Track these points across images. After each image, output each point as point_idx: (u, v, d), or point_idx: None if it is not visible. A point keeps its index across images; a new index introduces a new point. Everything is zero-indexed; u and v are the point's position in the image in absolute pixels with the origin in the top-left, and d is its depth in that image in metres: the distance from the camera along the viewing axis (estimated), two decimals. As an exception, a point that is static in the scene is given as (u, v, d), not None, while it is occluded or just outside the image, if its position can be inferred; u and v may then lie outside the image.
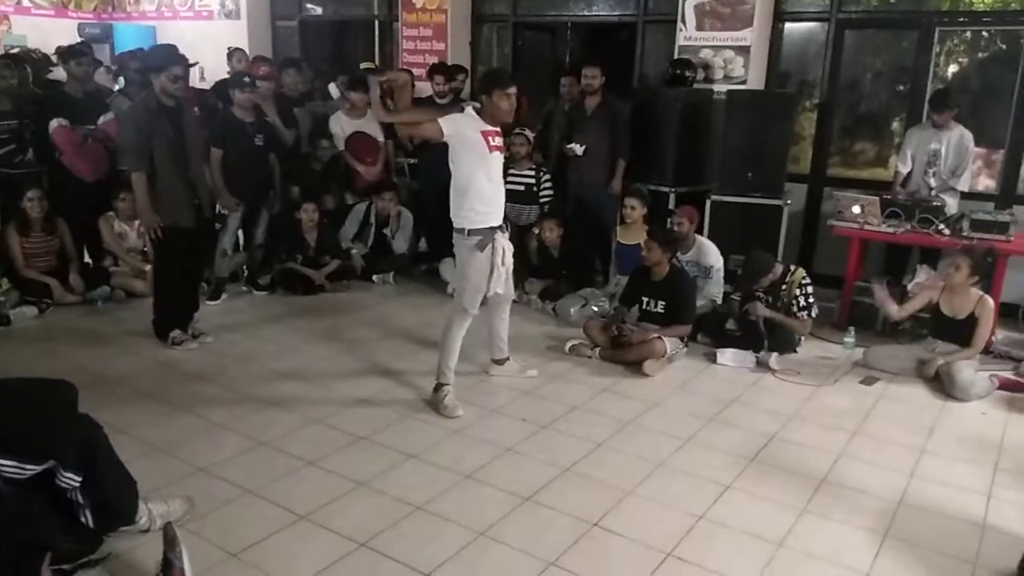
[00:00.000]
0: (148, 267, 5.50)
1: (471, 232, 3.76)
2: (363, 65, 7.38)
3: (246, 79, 5.71)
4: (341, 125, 6.37)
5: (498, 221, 3.82)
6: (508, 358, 4.35)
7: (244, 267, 6.07)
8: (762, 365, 4.62)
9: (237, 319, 5.24)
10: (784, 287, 4.83)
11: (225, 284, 5.76)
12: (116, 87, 6.69)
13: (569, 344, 4.82)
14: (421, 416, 3.85)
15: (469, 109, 3.81)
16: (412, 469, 3.31)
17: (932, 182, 5.37)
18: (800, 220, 6.31)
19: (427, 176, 6.47)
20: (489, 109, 3.74)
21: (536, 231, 5.83)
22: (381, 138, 6.43)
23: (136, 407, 3.77)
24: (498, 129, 3.81)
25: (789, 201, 5.69)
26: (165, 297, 4.69)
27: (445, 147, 6.05)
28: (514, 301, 5.68)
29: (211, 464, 3.25)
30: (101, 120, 5.64)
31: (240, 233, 5.97)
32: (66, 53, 5.73)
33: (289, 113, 6.16)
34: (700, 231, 5.49)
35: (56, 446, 2.38)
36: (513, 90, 3.74)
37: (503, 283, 3.99)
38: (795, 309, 4.79)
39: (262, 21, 9.58)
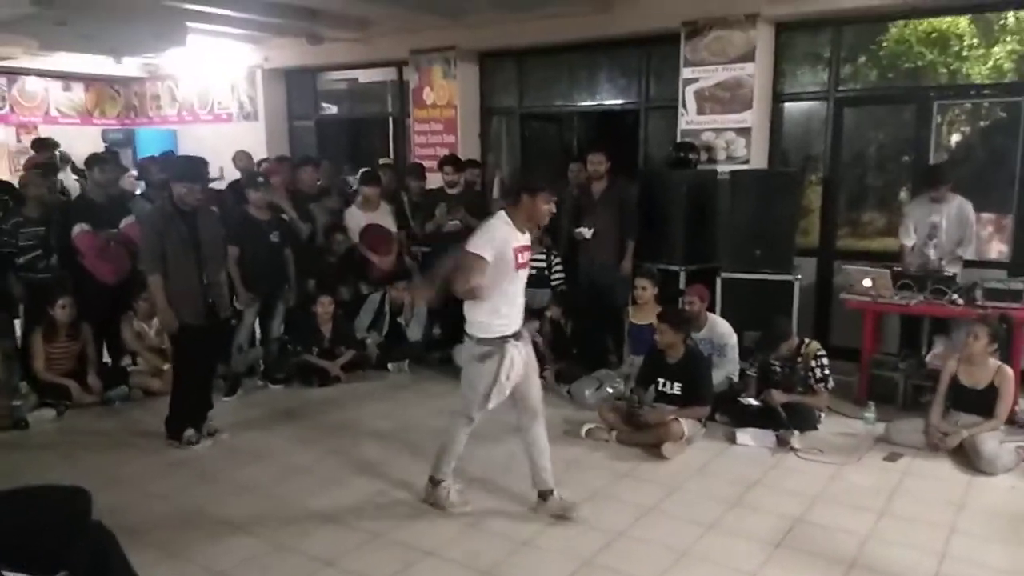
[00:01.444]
0: (167, 365, 5.57)
1: (480, 341, 3.58)
2: (382, 161, 7.64)
3: (260, 179, 5.90)
4: (356, 218, 6.53)
5: (511, 330, 3.58)
6: (552, 491, 3.76)
7: (260, 361, 6.12)
8: (783, 444, 4.54)
9: (253, 415, 5.25)
10: (800, 360, 4.80)
11: (241, 379, 5.80)
12: (138, 191, 6.93)
13: (585, 428, 4.78)
14: (437, 512, 3.79)
15: (502, 216, 3.57)
16: (431, 566, 3.25)
17: (932, 254, 5.38)
18: (812, 294, 6.31)
19: (441, 264, 6.58)
20: (526, 210, 3.55)
21: (548, 315, 5.87)
22: (394, 229, 6.59)
23: (151, 511, 3.75)
24: (528, 243, 3.64)
25: (799, 276, 5.71)
26: (181, 396, 4.71)
27: (459, 236, 6.22)
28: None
29: (228, 569, 3.20)
30: (123, 223, 5.82)
31: (257, 327, 6.05)
32: (91, 161, 5.96)
33: (305, 209, 6.33)
34: (712, 309, 5.51)
35: (68, 556, 2.37)
36: (555, 198, 3.64)
37: (526, 397, 3.73)
38: (812, 382, 4.75)
39: (279, 121, 9.98)
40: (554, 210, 3.68)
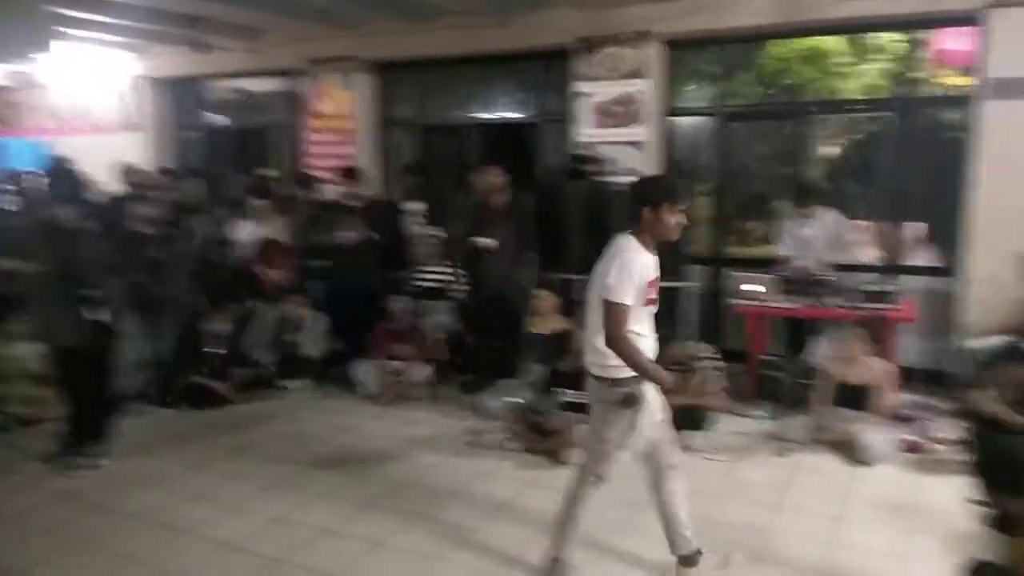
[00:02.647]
0: (43, 392, 5.20)
1: (616, 381, 3.03)
2: (259, 171, 7.42)
3: (144, 193, 5.61)
4: (247, 231, 6.31)
5: None
6: (699, 551, 3.26)
7: (148, 384, 5.79)
8: (681, 445, 4.66)
9: (141, 440, 4.96)
10: (692, 363, 4.97)
11: (127, 404, 5.47)
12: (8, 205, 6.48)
13: (490, 438, 4.78)
14: (342, 530, 3.69)
15: (632, 244, 3.02)
16: (332, 588, 3.16)
17: (807, 264, 5.69)
18: (704, 300, 6.54)
19: (339, 278, 6.44)
20: (652, 226, 3.01)
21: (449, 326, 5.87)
22: (287, 241, 6.40)
23: (37, 546, 3.49)
24: (658, 275, 3.11)
25: (691, 282, 5.91)
26: (79, 413, 4.47)
27: (357, 250, 6.12)
28: (432, 399, 5.73)
29: None
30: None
31: (142, 349, 5.72)
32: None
33: (190, 223, 6.07)
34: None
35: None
36: (683, 205, 3.06)
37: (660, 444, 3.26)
38: (702, 384, 4.92)
39: (165, 132, 9.53)
40: (684, 220, 3.08)
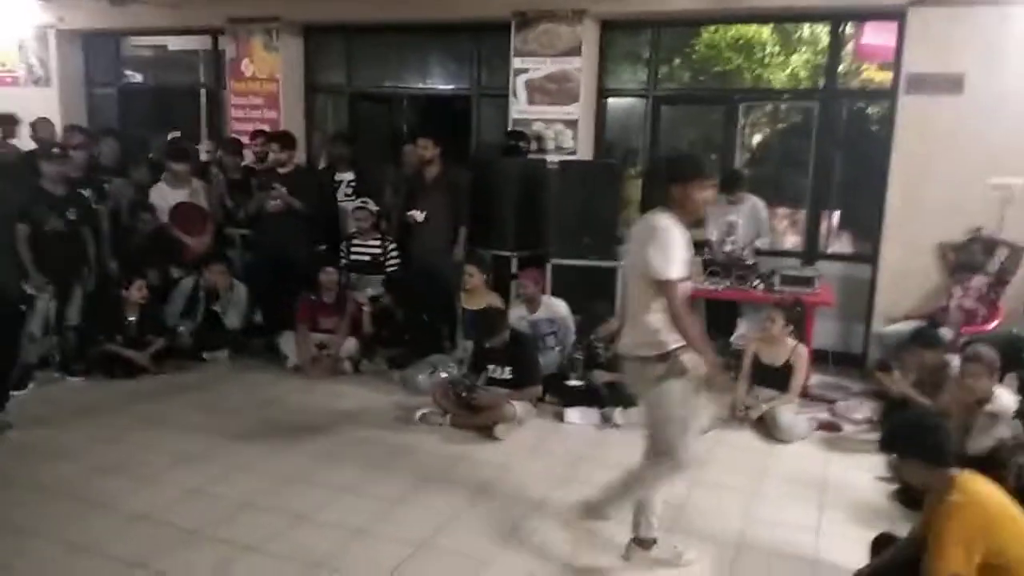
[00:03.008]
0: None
1: (664, 356, 2.87)
2: (171, 135, 7.09)
3: (55, 150, 5.29)
4: (164, 196, 6.04)
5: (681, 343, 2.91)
6: (656, 540, 3.15)
7: (56, 351, 5.49)
8: (607, 421, 4.75)
9: (48, 410, 4.72)
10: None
11: (33, 371, 5.18)
12: None
13: (419, 412, 4.74)
14: (263, 503, 3.59)
15: (668, 219, 2.88)
16: (252, 563, 3.08)
17: (730, 248, 5.85)
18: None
19: (262, 247, 6.25)
20: (683, 203, 2.93)
21: (380, 301, 5.77)
22: (207, 207, 6.16)
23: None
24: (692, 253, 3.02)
25: (623, 262, 5.98)
26: None
27: (281, 217, 5.93)
28: (359, 372, 5.64)
29: None
30: None
31: (51, 314, 5.42)
32: None
33: (103, 184, 5.77)
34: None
35: None
36: (713, 180, 3.04)
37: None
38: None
39: (76, 88, 8.98)
40: (710, 199, 3.03)
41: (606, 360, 5.02)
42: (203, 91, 8.54)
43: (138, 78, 9.22)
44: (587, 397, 4.89)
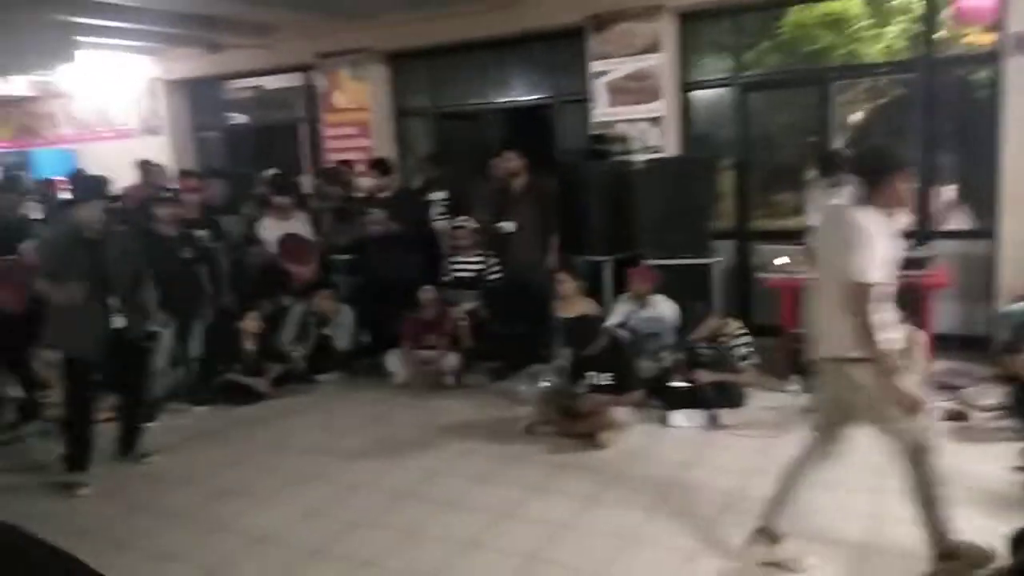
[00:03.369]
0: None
1: (875, 356, 2.75)
2: (271, 171, 7.45)
3: (167, 193, 5.66)
4: (269, 229, 6.36)
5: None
6: (782, 536, 3.08)
7: (181, 383, 5.86)
8: (714, 422, 4.64)
9: (176, 439, 5.03)
10: (722, 339, 4.92)
11: (162, 403, 5.55)
12: (38, 215, 6.57)
13: (523, 423, 4.77)
14: (378, 520, 3.71)
15: (868, 214, 2.78)
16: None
17: None
18: (732, 275, 6.47)
19: (366, 271, 6.45)
20: (885, 196, 2.80)
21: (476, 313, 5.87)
22: (312, 237, 6.44)
23: (75, 546, 3.50)
24: (899, 250, 2.92)
25: (718, 259, 5.85)
26: (77, 431, 4.35)
27: (383, 241, 6.09)
28: (462, 387, 5.73)
29: None
30: (23, 247, 5.51)
31: (174, 348, 5.80)
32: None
33: (216, 222, 6.12)
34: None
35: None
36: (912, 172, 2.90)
37: None
38: (736, 360, 4.87)
39: (185, 134, 9.61)
40: (912, 188, 2.94)
41: (709, 360, 4.91)
42: (300, 126, 8.95)
43: (241, 119, 9.76)
44: (691, 399, 4.80)
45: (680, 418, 4.72)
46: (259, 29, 7.87)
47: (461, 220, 6.20)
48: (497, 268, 6.16)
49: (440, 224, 6.53)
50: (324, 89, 8.17)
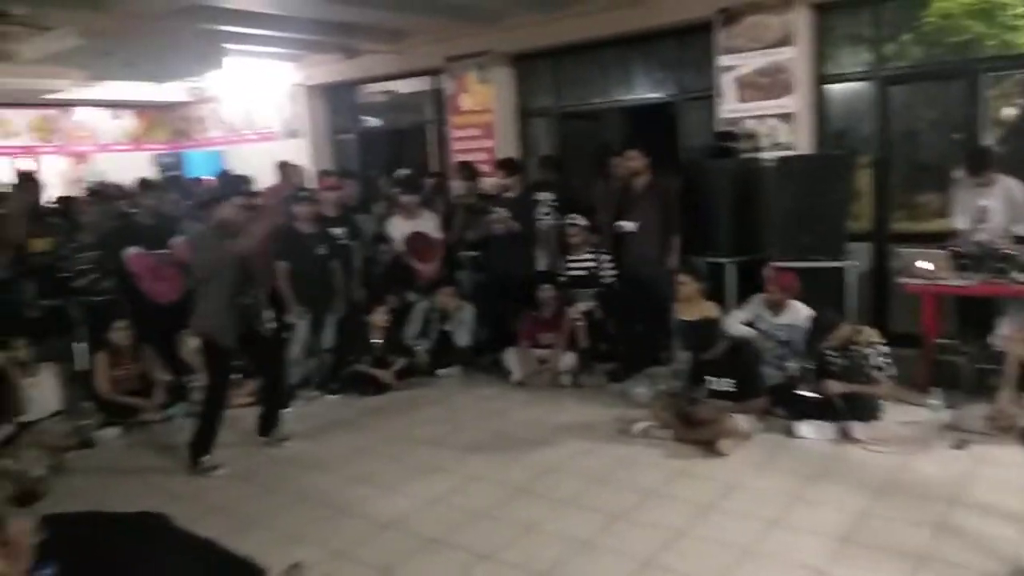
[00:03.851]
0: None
1: None
2: (400, 172, 7.72)
3: (305, 192, 5.99)
4: (398, 227, 6.60)
5: None
6: None
7: (314, 372, 6.20)
8: (844, 436, 4.42)
9: (308, 425, 5.31)
10: (855, 348, 4.65)
11: (296, 391, 5.89)
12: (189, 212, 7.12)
13: (639, 426, 4.72)
14: (495, 513, 3.78)
15: None
16: (488, 570, 3.25)
17: (984, 237, 5.17)
18: (868, 280, 6.13)
19: (490, 269, 6.57)
20: None
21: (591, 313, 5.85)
22: (438, 235, 6.63)
23: (211, 523, 3.79)
24: None
25: (853, 262, 5.55)
26: (210, 419, 4.63)
27: (506, 240, 6.15)
28: (578, 386, 5.74)
29: None
30: (174, 242, 5.99)
31: (308, 339, 6.13)
32: (142, 186, 6.16)
33: (350, 220, 6.42)
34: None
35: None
36: None
37: None
38: (870, 370, 4.59)
39: (322, 136, 10.14)
40: None
41: (840, 370, 4.66)
42: (429, 128, 9.23)
43: (374, 122, 10.19)
44: (821, 410, 4.58)
45: (807, 429, 4.51)
46: (393, 35, 8.18)
47: (571, 218, 6.19)
48: (610, 267, 6.12)
49: (545, 223, 6.54)
50: (451, 92, 8.38)
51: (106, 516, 2.74)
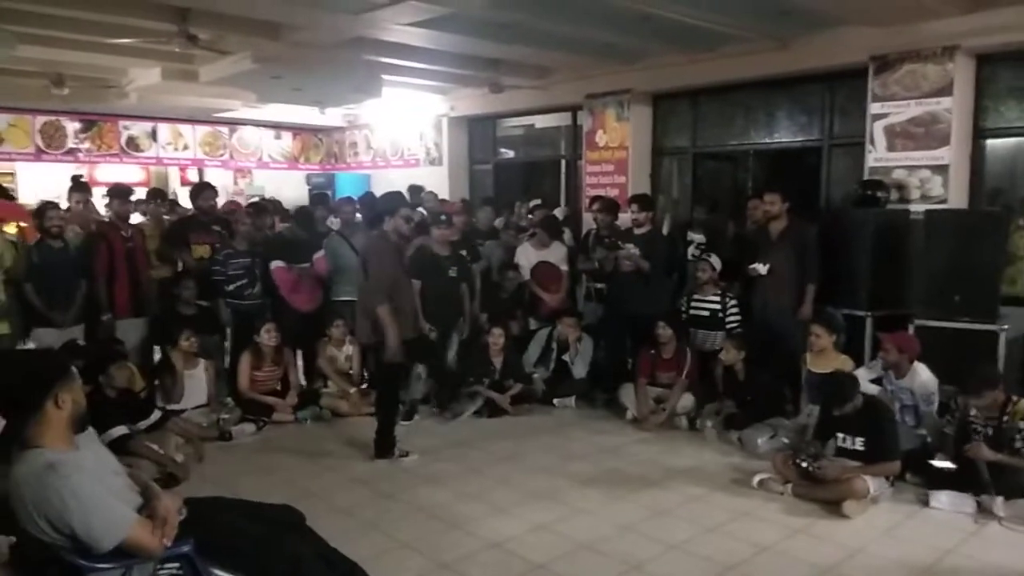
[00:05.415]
0: (353, 389, 6.04)
1: None
2: (532, 202, 7.86)
3: (442, 217, 6.26)
4: (527, 256, 6.74)
5: None
6: None
7: (435, 390, 6.38)
8: (985, 511, 4.09)
9: (427, 441, 5.46)
10: (1006, 419, 4.30)
11: (418, 405, 6.09)
12: (334, 228, 7.57)
13: (757, 478, 4.56)
14: (602, 547, 3.77)
15: None
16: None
17: None
18: (1020, 347, 5.67)
19: (613, 303, 6.54)
20: None
21: (721, 357, 5.70)
22: (564, 267, 6.72)
23: (331, 523, 3.97)
24: None
25: (1006, 326, 5.17)
26: (390, 416, 5.08)
27: (633, 276, 6.12)
28: (694, 429, 5.62)
29: None
30: (315, 257, 6.39)
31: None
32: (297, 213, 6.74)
33: (478, 247, 6.64)
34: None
35: (274, 569, 2.60)
36: None
37: None
38: (1018, 444, 4.23)
39: (461, 165, 10.54)
40: None
41: (986, 439, 4.32)
42: (563, 162, 9.41)
43: (510, 154, 10.50)
44: (959, 481, 4.26)
45: (943, 499, 4.21)
46: (537, 71, 8.44)
47: (705, 255, 6.11)
48: (736, 310, 5.98)
49: (692, 264, 6.47)
50: (589, 128, 8.52)
51: (245, 504, 2.96)
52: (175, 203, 8.82)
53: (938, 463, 4.40)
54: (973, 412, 4.39)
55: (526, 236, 7.24)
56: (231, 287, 6.15)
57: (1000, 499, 4.07)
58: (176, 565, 2.52)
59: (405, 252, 4.92)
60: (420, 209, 7.68)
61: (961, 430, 4.43)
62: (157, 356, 5.92)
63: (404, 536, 3.88)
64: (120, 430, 4.46)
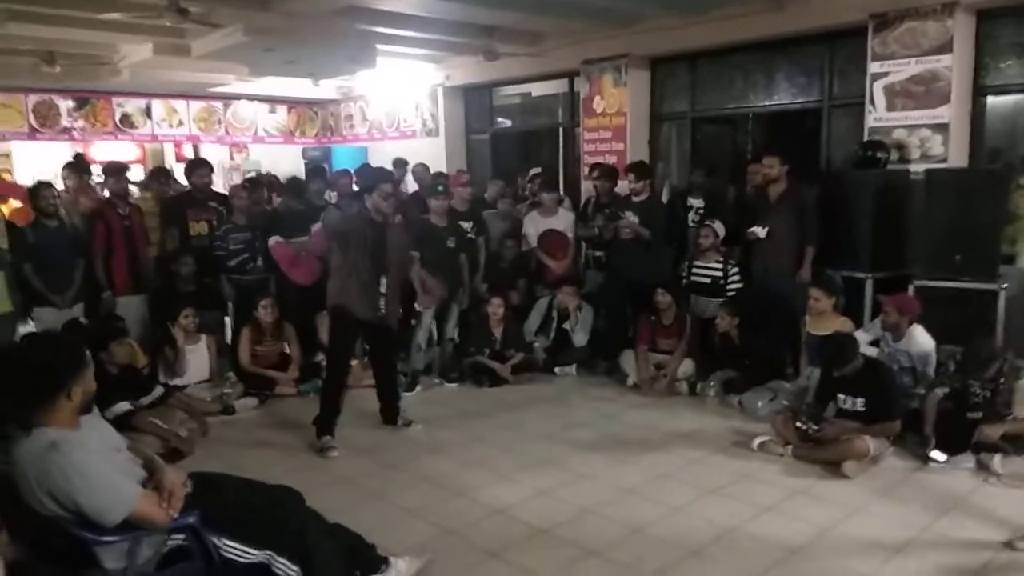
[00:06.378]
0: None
1: None
2: (532, 171, 7.81)
3: (440, 188, 6.22)
4: (535, 224, 6.73)
5: None
6: None
7: (436, 360, 6.41)
8: (983, 468, 4.12)
9: (430, 411, 5.50)
10: (1003, 380, 4.32)
11: (420, 376, 6.12)
12: (330, 202, 7.54)
13: (758, 440, 4.59)
14: (604, 511, 3.81)
15: None
16: (593, 566, 3.28)
17: None
18: (1017, 305, 5.66)
19: (613, 271, 6.53)
20: None
21: (717, 323, 5.71)
22: (571, 234, 6.71)
23: (336, 493, 4.04)
24: None
25: (1005, 285, 5.16)
26: (331, 398, 4.82)
27: (632, 243, 6.11)
28: (695, 394, 5.64)
29: (396, 551, 3.31)
30: (313, 229, 6.36)
31: (433, 328, 6.36)
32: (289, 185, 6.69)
33: (480, 217, 6.61)
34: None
35: (279, 539, 2.62)
36: None
37: None
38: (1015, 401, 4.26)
39: (458, 136, 10.47)
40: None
41: (982, 402, 4.34)
42: (560, 130, 9.33)
43: (507, 123, 10.41)
44: (960, 438, 4.28)
45: (943, 457, 4.25)
46: (532, 37, 8.33)
47: (707, 222, 6.09)
48: (737, 277, 5.97)
49: (692, 230, 6.45)
50: (586, 94, 8.43)
51: (246, 481, 2.99)
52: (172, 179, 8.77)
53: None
54: (973, 374, 4.39)
55: (526, 205, 7.24)
56: (233, 262, 6.16)
57: (998, 456, 4.11)
58: (182, 536, 2.55)
59: (385, 230, 4.75)
60: (405, 185, 7.66)
61: (958, 395, 4.42)
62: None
63: (409, 504, 3.92)
64: (123, 406, 4.50)
